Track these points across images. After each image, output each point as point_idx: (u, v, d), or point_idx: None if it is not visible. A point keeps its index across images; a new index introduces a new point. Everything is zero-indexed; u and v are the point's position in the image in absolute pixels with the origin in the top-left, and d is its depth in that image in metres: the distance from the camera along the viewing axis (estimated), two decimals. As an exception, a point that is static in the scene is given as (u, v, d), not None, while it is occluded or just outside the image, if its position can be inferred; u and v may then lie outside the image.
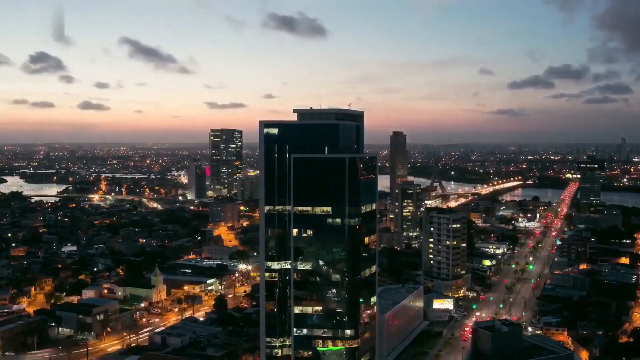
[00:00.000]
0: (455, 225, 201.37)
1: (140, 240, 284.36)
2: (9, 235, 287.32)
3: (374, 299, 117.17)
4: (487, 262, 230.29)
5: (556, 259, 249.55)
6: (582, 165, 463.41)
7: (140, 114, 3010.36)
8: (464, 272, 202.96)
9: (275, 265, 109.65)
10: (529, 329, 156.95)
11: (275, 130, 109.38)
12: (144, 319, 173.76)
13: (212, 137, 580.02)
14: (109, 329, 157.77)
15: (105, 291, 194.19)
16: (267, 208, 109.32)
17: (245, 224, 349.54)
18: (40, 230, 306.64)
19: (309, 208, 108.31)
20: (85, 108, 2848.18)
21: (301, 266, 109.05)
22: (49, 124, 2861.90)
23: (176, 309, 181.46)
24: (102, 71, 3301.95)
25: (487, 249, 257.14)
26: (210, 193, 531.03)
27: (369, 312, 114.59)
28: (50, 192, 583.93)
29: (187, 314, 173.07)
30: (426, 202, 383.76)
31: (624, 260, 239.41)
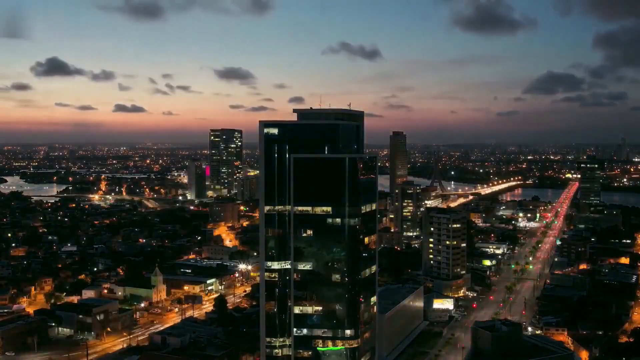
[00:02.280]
0: (455, 225, 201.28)
1: (140, 240, 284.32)
2: (9, 235, 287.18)
3: (374, 299, 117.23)
4: (487, 262, 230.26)
5: (556, 259, 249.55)
6: (582, 165, 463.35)
7: (170, 116, 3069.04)
8: (464, 272, 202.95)
9: (275, 265, 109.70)
10: (529, 329, 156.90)
11: (275, 130, 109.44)
12: (144, 319, 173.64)
13: (212, 137, 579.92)
14: (109, 329, 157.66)
15: (105, 291, 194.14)
16: (267, 208, 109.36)
17: (245, 224, 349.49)
18: (40, 230, 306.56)
19: (309, 208, 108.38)
20: (120, 110, 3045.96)
21: (301, 266, 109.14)
22: (77, 125, 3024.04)
23: (176, 309, 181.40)
24: (163, 81, 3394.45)
25: (487, 249, 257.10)
26: (210, 193, 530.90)
27: (369, 312, 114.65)
28: (50, 192, 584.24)
29: (187, 314, 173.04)
30: (426, 202, 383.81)
31: (624, 260, 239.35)
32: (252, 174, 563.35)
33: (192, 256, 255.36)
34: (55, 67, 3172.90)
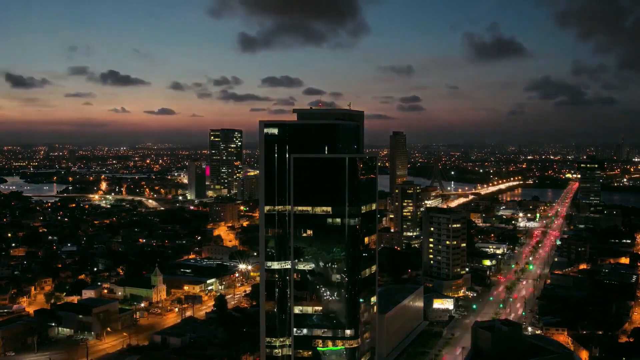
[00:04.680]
0: (455, 225, 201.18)
1: (140, 240, 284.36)
2: (9, 235, 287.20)
3: (374, 299, 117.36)
4: (487, 262, 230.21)
5: (556, 259, 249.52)
6: (582, 165, 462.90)
7: (196, 117, 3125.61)
8: (464, 272, 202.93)
9: (275, 265, 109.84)
10: (529, 329, 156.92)
11: (275, 130, 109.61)
12: (144, 319, 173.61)
13: (212, 137, 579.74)
14: (109, 329, 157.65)
15: (105, 291, 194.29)
16: (267, 208, 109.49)
17: (245, 224, 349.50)
18: (40, 230, 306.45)
19: (309, 208, 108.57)
20: (149, 113, 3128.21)
21: (301, 266, 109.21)
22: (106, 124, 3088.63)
23: (176, 309, 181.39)
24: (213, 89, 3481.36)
25: (487, 249, 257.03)
26: (210, 193, 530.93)
27: (369, 312, 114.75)
28: (50, 192, 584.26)
29: (187, 314, 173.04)
30: (426, 202, 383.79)
31: (624, 260, 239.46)
32: (252, 174, 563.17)
33: (192, 256, 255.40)
34: (121, 80, 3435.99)
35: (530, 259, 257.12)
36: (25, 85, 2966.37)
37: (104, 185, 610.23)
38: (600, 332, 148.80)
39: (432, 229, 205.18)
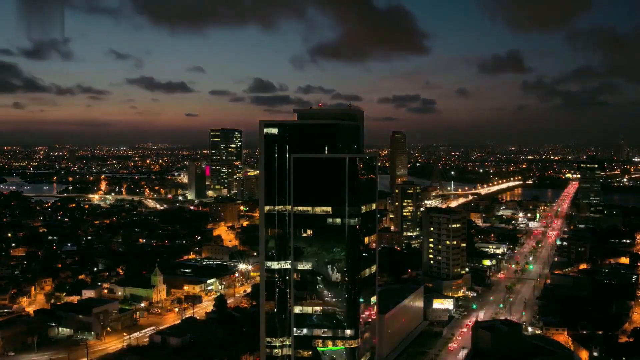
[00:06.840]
0: (455, 225, 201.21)
1: (140, 240, 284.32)
2: (9, 235, 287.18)
3: (374, 299, 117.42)
4: (487, 262, 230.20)
5: (556, 259, 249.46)
6: (582, 165, 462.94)
7: (209, 119, 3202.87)
8: (464, 272, 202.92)
9: (275, 265, 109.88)
10: (529, 329, 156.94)
11: (275, 130, 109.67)
12: (144, 319, 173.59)
13: (211, 137, 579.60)
14: (109, 329, 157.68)
15: (105, 291, 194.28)
16: (267, 208, 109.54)
17: (245, 224, 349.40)
18: (40, 230, 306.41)
19: (309, 208, 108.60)
20: (177, 114, 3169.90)
21: (301, 266, 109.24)
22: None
23: (176, 309, 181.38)
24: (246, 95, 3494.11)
25: (487, 249, 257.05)
26: (210, 193, 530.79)
27: (369, 312, 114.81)
28: (50, 192, 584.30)
29: (187, 314, 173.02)
30: (426, 202, 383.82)
31: (624, 260, 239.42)
32: (252, 174, 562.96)
33: (192, 256, 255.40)
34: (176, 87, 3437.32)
35: (530, 259, 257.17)
36: (90, 93, 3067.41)
37: (104, 185, 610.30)
38: (600, 332, 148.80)
39: (432, 229, 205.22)
